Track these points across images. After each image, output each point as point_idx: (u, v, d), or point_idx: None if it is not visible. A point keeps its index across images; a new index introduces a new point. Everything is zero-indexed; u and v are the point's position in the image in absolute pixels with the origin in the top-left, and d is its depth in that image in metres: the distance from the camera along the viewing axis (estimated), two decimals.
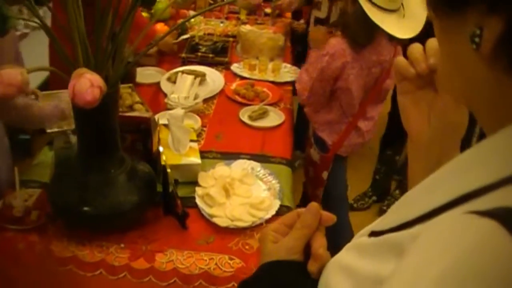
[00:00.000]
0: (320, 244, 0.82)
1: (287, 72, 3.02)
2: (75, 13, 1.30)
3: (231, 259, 1.54)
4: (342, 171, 2.81)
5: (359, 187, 3.75)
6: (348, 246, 0.73)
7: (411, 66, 0.77)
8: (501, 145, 0.55)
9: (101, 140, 1.49)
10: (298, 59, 3.38)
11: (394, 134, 3.40)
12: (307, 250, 0.83)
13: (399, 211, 0.64)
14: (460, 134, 0.76)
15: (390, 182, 3.75)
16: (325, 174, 2.68)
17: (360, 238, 0.72)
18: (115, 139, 1.51)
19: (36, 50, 2.66)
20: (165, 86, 2.61)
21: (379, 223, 0.67)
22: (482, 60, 0.55)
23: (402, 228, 0.59)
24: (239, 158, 2.00)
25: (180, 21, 3.18)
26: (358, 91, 2.45)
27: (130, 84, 2.38)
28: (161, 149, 1.71)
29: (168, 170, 1.58)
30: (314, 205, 0.85)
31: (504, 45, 0.51)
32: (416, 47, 0.77)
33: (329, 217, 0.86)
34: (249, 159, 2.00)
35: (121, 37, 1.33)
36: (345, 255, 0.72)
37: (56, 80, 1.62)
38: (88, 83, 1.07)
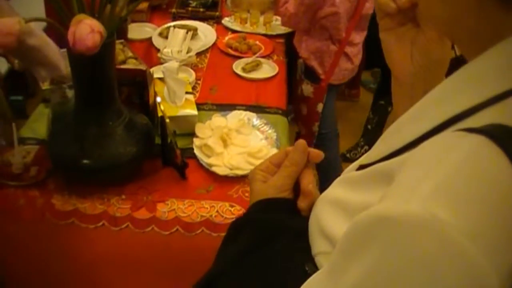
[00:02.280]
0: (309, 180, 0.84)
1: (279, 25, 2.99)
2: None
3: (231, 206, 1.56)
4: (334, 102, 2.91)
5: (352, 138, 3.78)
6: (336, 180, 0.74)
7: (392, 1, 0.76)
8: (487, 66, 0.55)
9: (99, 92, 1.49)
10: None
11: (388, 84, 3.40)
12: (296, 187, 0.85)
13: (386, 141, 0.65)
14: (444, 70, 0.76)
15: (382, 132, 3.76)
16: (320, 106, 2.78)
17: (349, 173, 0.74)
18: (112, 91, 1.51)
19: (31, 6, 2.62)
20: (157, 41, 2.60)
21: (367, 157, 0.68)
22: None
23: (390, 157, 0.60)
24: (235, 109, 2.01)
25: None
26: (345, 15, 2.56)
27: (122, 40, 2.36)
28: (158, 99, 1.71)
29: (167, 121, 1.58)
30: (301, 143, 0.87)
31: None
32: None
33: (317, 154, 0.88)
34: (244, 110, 2.01)
35: None
36: (335, 189, 0.73)
37: (51, 35, 1.60)
38: (88, 29, 1.07)
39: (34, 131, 1.87)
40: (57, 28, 1.26)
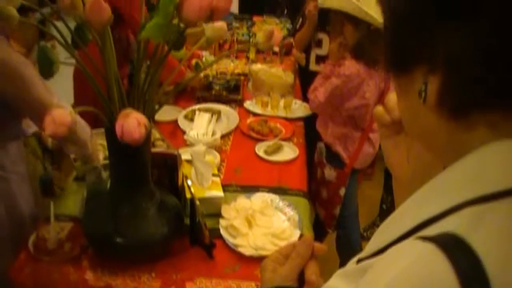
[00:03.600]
0: (312, 271, 0.95)
1: (298, 108, 3.13)
2: (110, 55, 1.41)
3: (257, 285, 1.62)
4: (356, 185, 2.96)
5: (368, 216, 3.84)
6: (337, 272, 0.82)
7: (387, 114, 0.86)
8: (453, 176, 0.63)
9: (134, 174, 1.59)
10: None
11: None
12: (301, 277, 0.95)
13: (376, 239, 0.73)
14: (438, 171, 0.83)
15: None
16: (342, 191, 2.81)
17: (350, 264, 0.83)
18: (146, 173, 1.61)
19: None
20: (183, 123, 2.73)
21: (365, 251, 0.76)
22: (430, 111, 0.64)
23: (374, 256, 0.69)
24: (258, 191, 2.10)
25: (194, 60, 3.30)
26: (373, 105, 2.59)
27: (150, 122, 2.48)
28: (189, 182, 1.81)
29: (197, 203, 1.67)
30: (307, 237, 1.00)
31: (444, 96, 0.61)
32: (392, 96, 0.84)
33: (321, 248, 0.98)
34: (267, 191, 2.10)
35: (155, 78, 1.44)
36: (334, 280, 0.81)
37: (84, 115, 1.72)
38: (135, 122, 1.17)
39: (67, 208, 1.97)
40: (103, 119, 1.38)
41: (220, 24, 1.41)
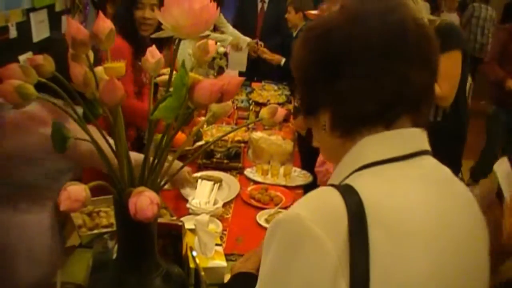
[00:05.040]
0: None
1: (297, 176, 3.19)
2: (120, 132, 1.48)
3: None
4: None
5: None
6: None
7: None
8: (345, 161, 1.08)
9: (142, 246, 1.63)
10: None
11: None
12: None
13: None
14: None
15: None
16: None
17: None
18: (152, 244, 1.65)
19: None
20: (185, 191, 2.78)
21: None
22: (331, 136, 1.09)
23: None
24: None
25: (195, 128, 3.37)
26: None
27: None
28: (194, 253, 1.85)
29: (202, 273, 1.71)
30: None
31: (334, 126, 1.08)
32: None
33: None
34: None
35: (164, 155, 1.50)
36: None
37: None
38: (148, 201, 1.23)
39: (72, 276, 2.00)
40: (113, 192, 1.44)
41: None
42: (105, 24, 1.41)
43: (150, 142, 1.48)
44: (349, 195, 0.94)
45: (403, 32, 1.02)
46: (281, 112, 1.58)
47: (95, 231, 2.27)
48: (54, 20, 4.49)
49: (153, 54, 1.53)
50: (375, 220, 0.91)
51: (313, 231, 0.90)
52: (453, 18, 8.51)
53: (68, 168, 2.30)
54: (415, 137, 1.05)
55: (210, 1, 1.26)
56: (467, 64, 3.13)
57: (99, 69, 1.47)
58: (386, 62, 1.01)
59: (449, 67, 2.97)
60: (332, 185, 0.99)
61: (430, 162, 1.07)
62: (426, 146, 1.07)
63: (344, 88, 1.02)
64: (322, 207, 0.95)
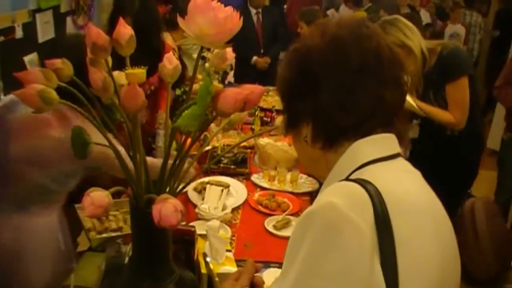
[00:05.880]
0: (258, 281, 1.45)
1: (304, 182, 3.20)
2: (138, 139, 1.49)
3: None
4: None
5: None
6: None
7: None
8: (340, 165, 1.18)
9: (155, 250, 1.63)
10: None
11: None
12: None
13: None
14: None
15: None
16: None
17: None
18: (168, 250, 1.65)
19: None
20: (193, 196, 2.79)
21: None
22: (312, 148, 1.21)
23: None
24: (269, 267, 2.15)
25: (203, 134, 3.38)
26: None
27: None
28: (208, 259, 1.85)
29: (216, 279, 1.72)
30: (249, 261, 1.49)
31: (315, 138, 1.19)
32: None
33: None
34: (278, 267, 2.14)
35: (181, 164, 1.51)
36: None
37: None
38: (172, 208, 1.23)
39: (82, 279, 2.00)
40: (130, 198, 1.45)
41: None
42: (125, 30, 1.42)
43: (169, 148, 1.49)
44: (367, 184, 1.05)
45: (379, 57, 1.15)
46: None
47: (104, 235, 2.28)
48: (59, 21, 4.51)
49: (170, 61, 1.54)
50: (392, 204, 1.03)
51: (350, 216, 0.99)
52: (458, 29, 8.59)
53: (76, 172, 2.30)
54: (395, 141, 1.20)
55: None
56: (474, 81, 3.22)
57: (115, 74, 1.48)
58: (362, 82, 1.14)
59: (458, 95, 3.13)
60: (348, 179, 1.12)
61: (406, 162, 1.22)
62: (399, 149, 1.21)
63: (324, 102, 1.15)
64: (351, 195, 1.04)
